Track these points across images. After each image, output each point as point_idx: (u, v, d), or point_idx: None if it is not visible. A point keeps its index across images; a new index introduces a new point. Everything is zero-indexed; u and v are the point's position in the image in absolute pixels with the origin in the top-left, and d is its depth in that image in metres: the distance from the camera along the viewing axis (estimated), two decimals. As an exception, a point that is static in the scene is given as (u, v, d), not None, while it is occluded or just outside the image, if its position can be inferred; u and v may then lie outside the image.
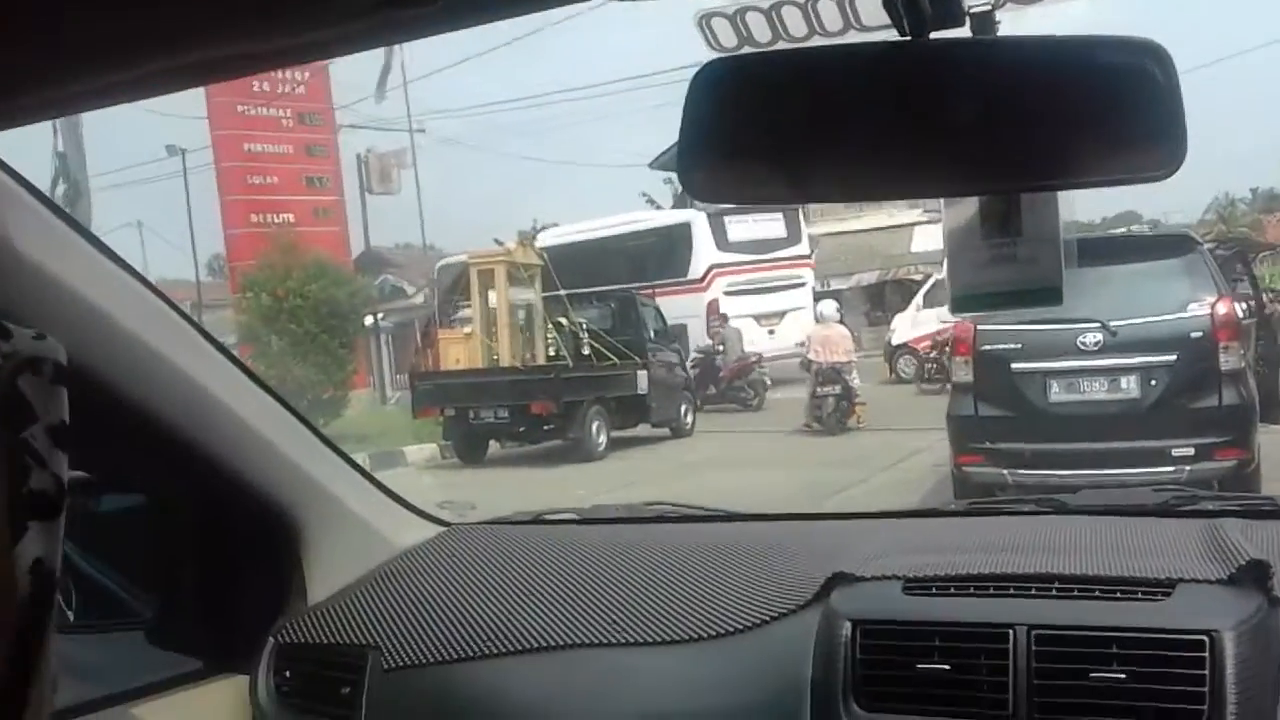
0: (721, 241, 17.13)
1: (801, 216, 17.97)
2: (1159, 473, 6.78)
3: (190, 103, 20.63)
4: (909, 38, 0.91)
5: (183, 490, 1.73)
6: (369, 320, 19.81)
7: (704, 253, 17.01)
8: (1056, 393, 7.55)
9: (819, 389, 13.98)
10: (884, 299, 26.90)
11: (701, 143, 0.94)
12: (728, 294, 16.70)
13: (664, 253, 17.11)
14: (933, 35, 0.91)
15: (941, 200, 1.18)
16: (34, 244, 1.28)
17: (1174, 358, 7.21)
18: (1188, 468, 6.90)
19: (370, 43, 0.97)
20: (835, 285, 28.68)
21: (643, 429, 15.11)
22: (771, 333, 17.70)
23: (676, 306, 15.60)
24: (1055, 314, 7.37)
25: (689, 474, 12.00)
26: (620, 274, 15.97)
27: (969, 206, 1.16)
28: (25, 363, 0.67)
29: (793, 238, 17.04)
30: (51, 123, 16.84)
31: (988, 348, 7.64)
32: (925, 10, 0.91)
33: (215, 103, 20.54)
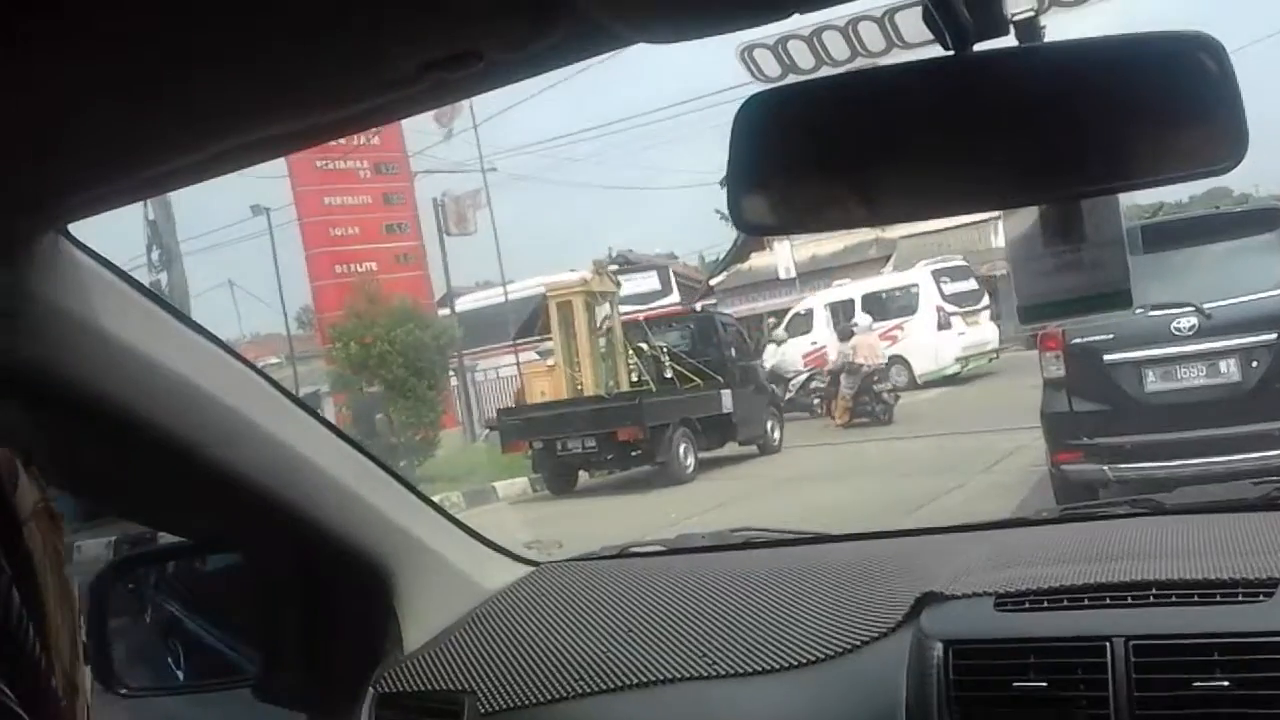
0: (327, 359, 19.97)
1: (671, 274, 21.19)
2: (1267, 457, 6.53)
3: (271, 164, 21.21)
4: (952, 52, 0.90)
5: (277, 547, 1.78)
6: (455, 360, 20.13)
7: None
8: (1153, 382, 7.33)
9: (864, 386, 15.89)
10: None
11: (749, 177, 0.95)
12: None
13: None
14: (977, 47, 0.91)
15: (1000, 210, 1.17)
16: (113, 316, 1.33)
17: (1274, 337, 6.95)
18: (1297, 450, 6.65)
19: (418, 107, 1.00)
20: (917, 288, 28.29)
21: (730, 448, 15.05)
22: None
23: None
24: (1147, 300, 7.19)
25: (780, 490, 11.92)
26: (531, 329, 18.41)
27: (1029, 215, 1.15)
28: None
29: (665, 290, 20.08)
30: (140, 193, 17.53)
31: (1078, 341, 7.45)
32: (966, 22, 0.90)
33: (295, 160, 21.11)
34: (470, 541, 1.98)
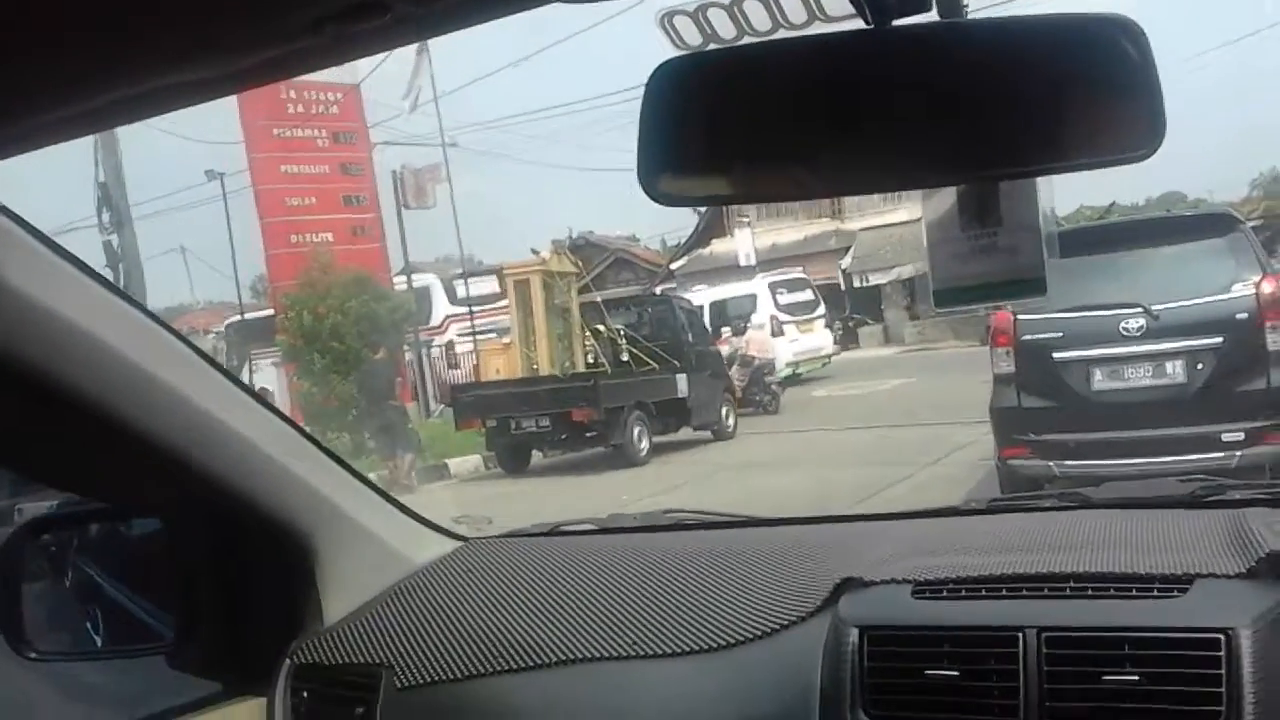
0: (452, 298, 21.91)
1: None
2: (1209, 459, 6.64)
3: (227, 127, 20.87)
4: (872, 26, 0.88)
5: (196, 513, 1.74)
6: (411, 334, 19.98)
7: (440, 307, 21.65)
8: (1100, 380, 7.43)
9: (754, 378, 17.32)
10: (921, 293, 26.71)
11: (661, 146, 0.92)
12: (459, 336, 21.07)
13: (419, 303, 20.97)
14: (897, 21, 0.88)
15: (920, 192, 1.16)
16: (26, 277, 1.29)
17: (1220, 340, 7.05)
18: (1238, 453, 6.76)
19: (321, 62, 0.96)
20: (874, 280, 28.56)
21: (685, 433, 15.09)
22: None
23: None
24: (1096, 299, 7.27)
25: (732, 476, 11.97)
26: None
27: (946, 198, 1.14)
28: None
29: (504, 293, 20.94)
30: (92, 154, 17.20)
31: (1028, 337, 7.53)
32: None
33: (251, 126, 20.78)
34: (396, 514, 1.95)
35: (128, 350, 1.43)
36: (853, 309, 29.44)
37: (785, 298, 22.86)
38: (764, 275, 23.83)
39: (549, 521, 2.17)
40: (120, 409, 1.43)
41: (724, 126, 0.91)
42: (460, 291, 21.59)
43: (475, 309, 20.35)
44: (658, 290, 24.27)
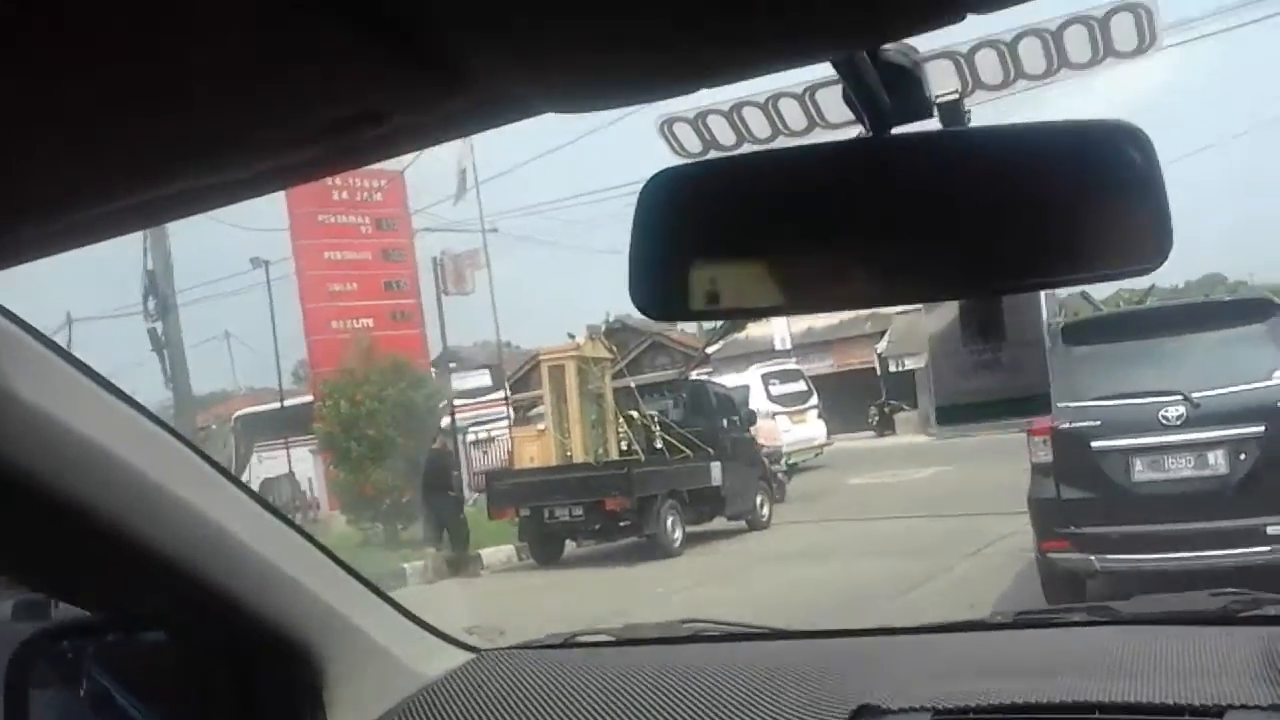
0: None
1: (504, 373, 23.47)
2: (1253, 553, 6.46)
3: (273, 215, 21.34)
4: (870, 134, 0.87)
5: (206, 627, 1.72)
6: (446, 421, 20.05)
7: None
8: (1140, 471, 7.28)
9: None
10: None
11: (653, 258, 0.90)
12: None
13: None
14: (897, 130, 0.87)
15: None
16: (38, 387, 1.29)
17: (1263, 429, 6.90)
18: (1284, 547, 6.57)
19: (321, 171, 0.97)
20: (910, 365, 28.42)
21: (719, 522, 14.92)
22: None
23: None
24: (1135, 387, 7.16)
25: (767, 568, 11.79)
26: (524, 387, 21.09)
27: (949, 310, 1.11)
28: None
29: (497, 385, 22.16)
30: (141, 242, 17.61)
31: (1066, 426, 7.40)
32: (884, 104, 0.86)
33: (297, 213, 21.21)
34: (406, 624, 1.92)
35: (138, 461, 1.43)
36: (889, 394, 29.23)
37: (778, 389, 23.31)
38: (757, 367, 24.32)
39: (565, 631, 2.13)
40: (130, 522, 1.43)
41: (719, 238, 0.89)
42: (455, 384, 22.49)
43: (470, 401, 21.13)
44: (693, 375, 24.28)
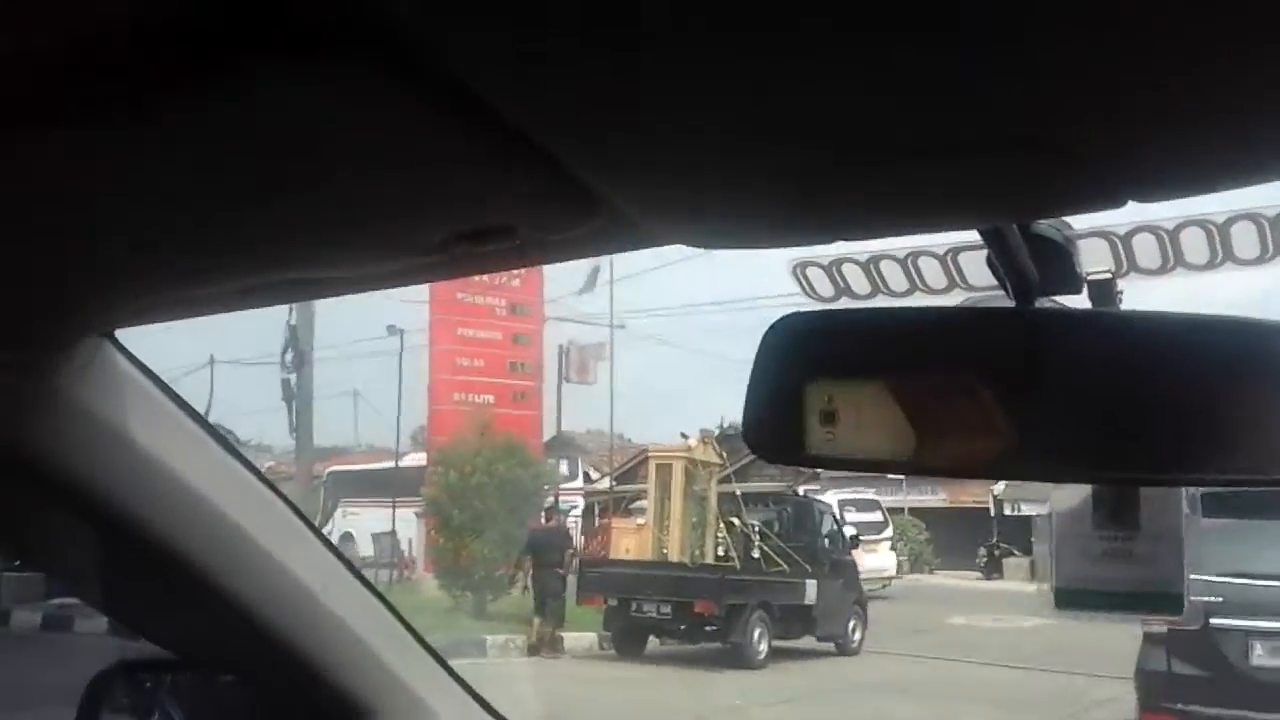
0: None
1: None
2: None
3: (414, 288, 22.06)
4: (1013, 304, 0.85)
5: (272, 674, 1.76)
6: (549, 502, 20.15)
7: None
8: (1260, 655, 6.86)
9: None
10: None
11: (773, 401, 0.88)
12: None
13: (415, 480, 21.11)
14: (1043, 302, 0.85)
15: None
16: (152, 433, 1.37)
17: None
18: None
19: (449, 274, 1.02)
20: (1026, 510, 27.44)
21: (807, 641, 14.52)
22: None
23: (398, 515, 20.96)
24: (1259, 568, 6.77)
25: (850, 697, 11.39)
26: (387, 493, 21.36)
27: (1081, 488, 1.05)
28: None
29: (572, 475, 21.96)
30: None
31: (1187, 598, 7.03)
32: (1031, 275, 0.84)
33: (438, 289, 21.89)
34: (472, 705, 1.93)
35: (231, 510, 1.49)
36: (1000, 537, 28.21)
37: (854, 516, 22.74)
38: (834, 492, 23.62)
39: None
40: (216, 567, 1.49)
41: (843, 390, 0.86)
42: None
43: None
44: (800, 490, 23.95)
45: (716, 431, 20.36)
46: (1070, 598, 1.07)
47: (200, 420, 1.49)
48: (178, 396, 1.47)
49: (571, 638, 14.76)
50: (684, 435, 17.21)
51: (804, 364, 0.87)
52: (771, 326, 0.88)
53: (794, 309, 0.93)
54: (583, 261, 22.46)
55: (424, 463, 21.47)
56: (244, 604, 1.54)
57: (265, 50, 0.63)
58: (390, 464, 23.61)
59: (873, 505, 24.51)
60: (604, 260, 21.88)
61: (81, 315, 1.18)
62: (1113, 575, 1.04)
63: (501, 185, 0.75)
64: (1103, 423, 0.79)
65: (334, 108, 0.68)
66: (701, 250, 0.84)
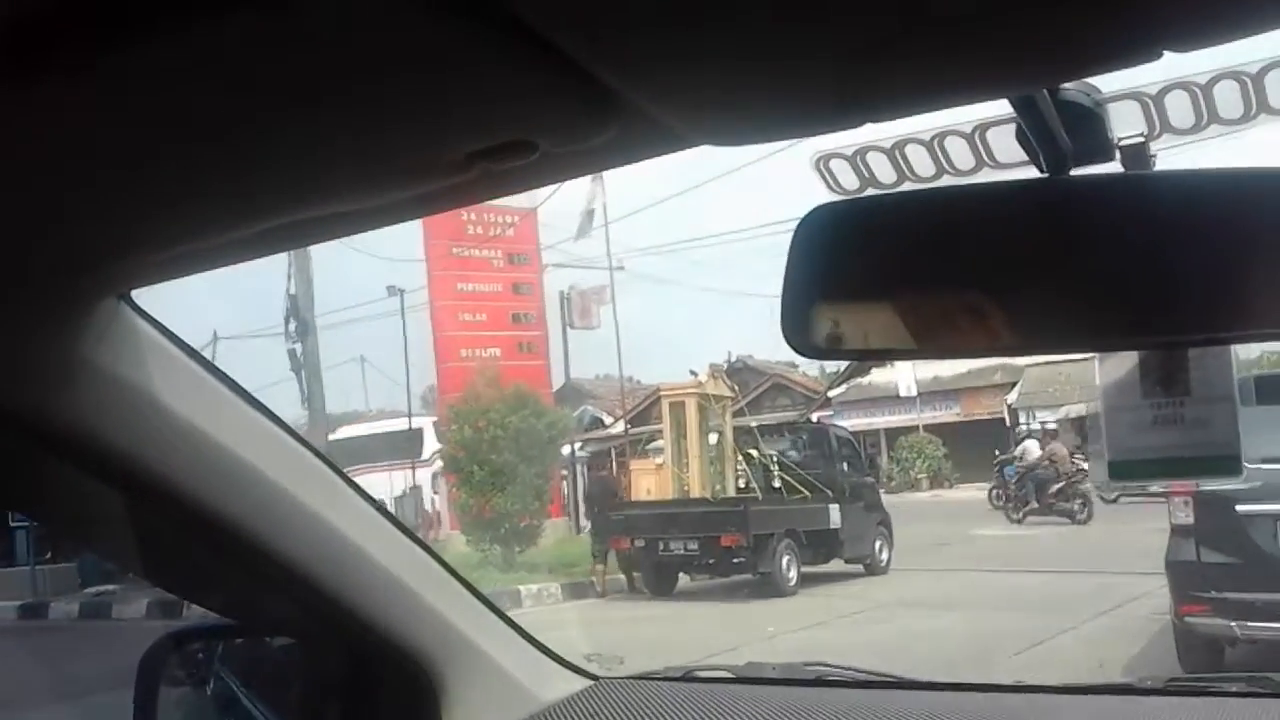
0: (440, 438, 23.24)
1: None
2: None
3: (409, 246, 22.01)
4: (1047, 175, 0.82)
5: (329, 636, 1.74)
6: (566, 450, 20.23)
7: (429, 444, 22.34)
8: (1289, 539, 6.87)
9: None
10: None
11: (809, 296, 0.86)
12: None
13: (409, 442, 22.37)
14: (1076, 171, 0.83)
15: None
16: (179, 395, 1.32)
17: None
18: None
19: (470, 198, 0.97)
20: (1041, 417, 27.56)
21: (835, 565, 14.65)
22: None
23: (418, 475, 21.86)
24: (1287, 451, 6.76)
25: (883, 614, 11.50)
26: (383, 455, 21.62)
27: (1126, 358, 1.04)
28: None
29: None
30: (286, 268, 18.37)
31: (1209, 488, 7.04)
32: (1065, 145, 0.82)
33: (432, 245, 21.81)
34: (527, 648, 1.91)
35: (264, 466, 1.45)
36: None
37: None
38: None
39: (682, 665, 2.09)
40: (264, 531, 1.45)
41: (880, 277, 0.85)
42: None
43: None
44: (814, 418, 24.01)
45: (725, 365, 20.38)
46: (1124, 469, 1.05)
47: (226, 379, 1.44)
48: (200, 356, 1.42)
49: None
50: (693, 372, 17.24)
51: (839, 254, 0.86)
52: (803, 219, 0.86)
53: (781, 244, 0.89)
54: (576, 206, 22.47)
55: (420, 425, 22.34)
56: (291, 563, 1.50)
57: None
58: (390, 426, 24.06)
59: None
60: (598, 202, 21.83)
61: (97, 276, 1.13)
62: (1166, 442, 1.01)
63: (518, 94, 0.72)
64: (1144, 286, 0.78)
65: (346, 25, 0.64)
66: (693, 185, 0.80)
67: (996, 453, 23.10)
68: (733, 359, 28.68)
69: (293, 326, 18.28)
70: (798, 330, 0.87)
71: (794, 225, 0.87)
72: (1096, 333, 0.84)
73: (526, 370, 21.23)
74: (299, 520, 1.50)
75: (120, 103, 0.72)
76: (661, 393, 16.99)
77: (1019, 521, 18.72)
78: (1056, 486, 18.67)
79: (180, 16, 0.63)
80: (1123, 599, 10.18)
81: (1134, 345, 0.96)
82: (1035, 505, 18.85)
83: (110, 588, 13.98)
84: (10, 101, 0.69)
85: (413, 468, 21.68)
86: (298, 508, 1.49)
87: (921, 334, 0.86)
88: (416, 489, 21.62)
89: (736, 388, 17.32)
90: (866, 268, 0.86)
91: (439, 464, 20.04)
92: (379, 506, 1.71)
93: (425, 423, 23.93)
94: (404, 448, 22.17)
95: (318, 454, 1.59)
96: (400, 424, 23.41)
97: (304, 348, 18.28)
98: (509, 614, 1.96)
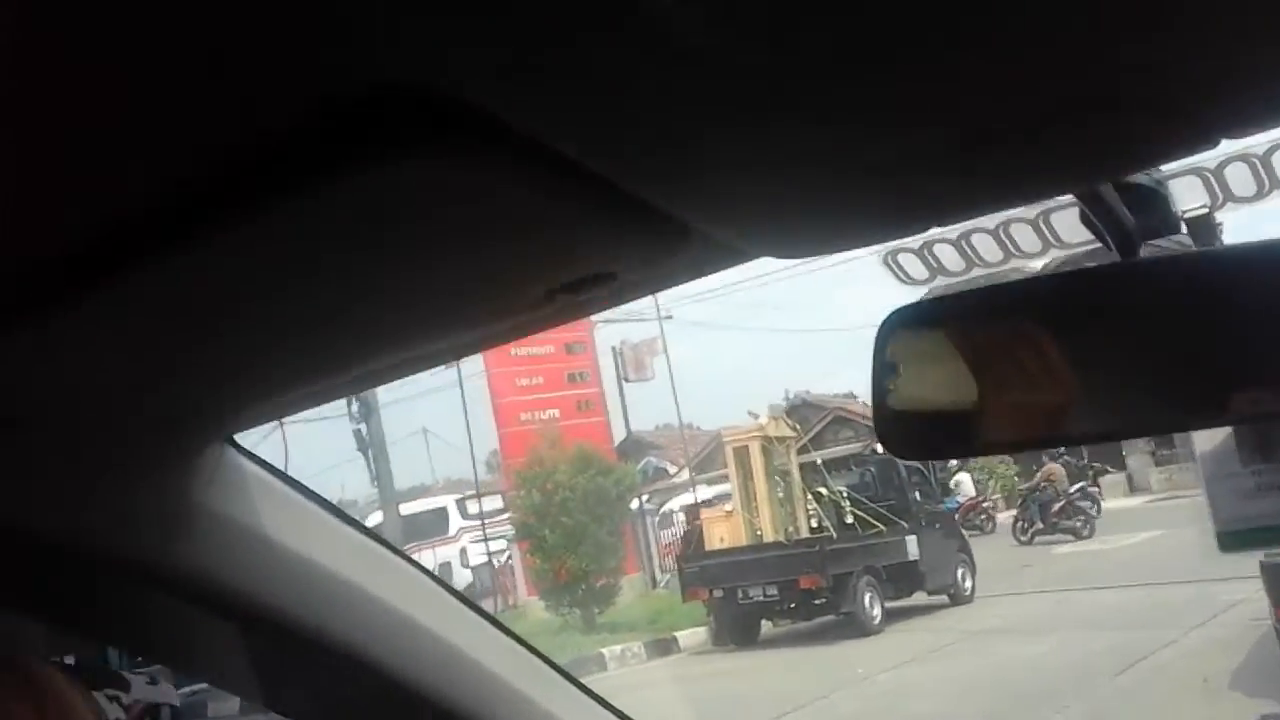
0: (464, 514, 25.00)
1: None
2: None
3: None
4: (1118, 258, 0.84)
5: None
6: (635, 504, 20.17)
7: (454, 521, 25.08)
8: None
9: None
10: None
11: (894, 398, 0.88)
12: (471, 542, 23.52)
13: (434, 521, 24.72)
14: (1146, 249, 0.84)
15: None
16: (289, 531, 1.38)
17: None
18: None
19: (549, 324, 1.02)
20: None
21: (919, 597, 14.40)
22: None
23: (444, 553, 22.91)
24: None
25: (976, 645, 11.27)
26: (403, 538, 21.87)
27: (1218, 430, 1.04)
28: (146, 709, 0.72)
29: (506, 509, 22.24)
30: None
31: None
32: (1129, 223, 0.83)
33: (486, 315, 22.04)
34: None
35: (375, 589, 1.49)
36: (1091, 457, 27.75)
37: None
38: None
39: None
40: (371, 650, 1.49)
41: (963, 375, 0.86)
42: (472, 508, 24.64)
43: (485, 521, 22.58)
44: (879, 448, 23.73)
45: (784, 404, 20.27)
46: (1235, 540, 1.06)
47: (332, 508, 1.49)
48: (305, 488, 1.47)
49: (684, 635, 14.78)
50: (753, 414, 17.15)
51: (915, 357, 0.87)
52: (882, 324, 0.88)
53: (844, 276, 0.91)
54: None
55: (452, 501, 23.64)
56: (407, 682, 1.54)
57: (361, 144, 0.64)
58: (439, 505, 25.59)
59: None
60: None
61: (204, 424, 1.19)
62: (1271, 509, 1.00)
63: (598, 236, 0.77)
64: (1229, 361, 0.79)
65: (437, 190, 0.68)
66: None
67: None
68: (791, 396, 28.50)
69: (355, 408, 18.55)
70: (896, 436, 0.89)
71: (832, 260, 0.90)
72: (1184, 412, 0.85)
73: (587, 428, 21.27)
74: (410, 636, 1.54)
75: (237, 267, 0.77)
76: (724, 439, 16.90)
77: (1028, 543, 19.15)
78: (1058, 505, 19.20)
79: (291, 185, 0.67)
80: (1221, 606, 9.90)
81: (1224, 421, 0.97)
82: (1041, 525, 19.24)
83: (203, 686, 14.13)
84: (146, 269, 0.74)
85: (485, 538, 21.93)
86: (410, 626, 1.53)
87: (1013, 426, 0.87)
88: (490, 559, 21.78)
89: (798, 425, 17.18)
90: (948, 366, 0.87)
91: (510, 530, 20.08)
92: (483, 612, 1.74)
93: (447, 500, 25.18)
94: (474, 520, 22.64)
95: (421, 569, 1.63)
96: (470, 501, 24.06)
97: (368, 427, 18.55)
98: (595, 678, 1.97)
